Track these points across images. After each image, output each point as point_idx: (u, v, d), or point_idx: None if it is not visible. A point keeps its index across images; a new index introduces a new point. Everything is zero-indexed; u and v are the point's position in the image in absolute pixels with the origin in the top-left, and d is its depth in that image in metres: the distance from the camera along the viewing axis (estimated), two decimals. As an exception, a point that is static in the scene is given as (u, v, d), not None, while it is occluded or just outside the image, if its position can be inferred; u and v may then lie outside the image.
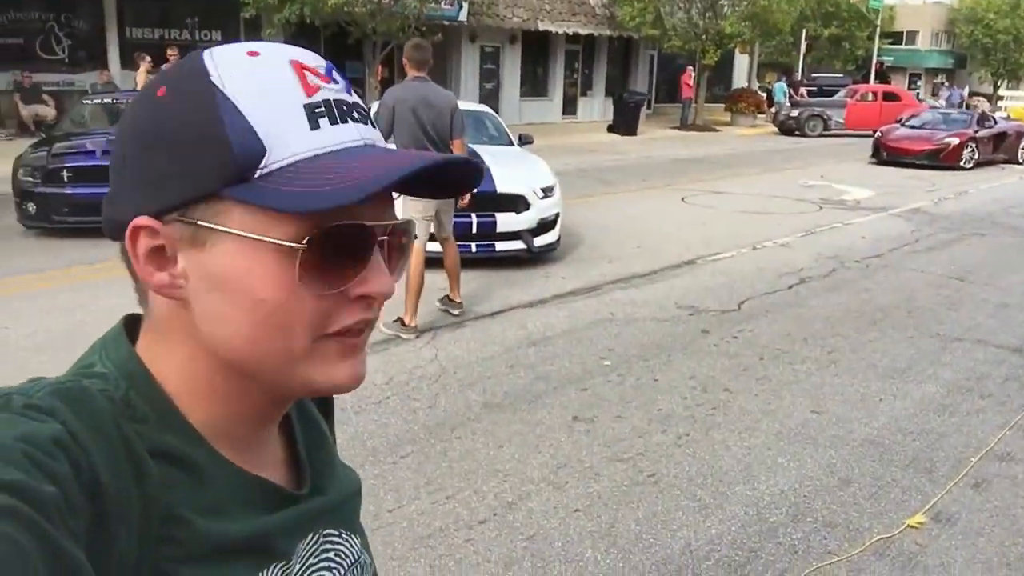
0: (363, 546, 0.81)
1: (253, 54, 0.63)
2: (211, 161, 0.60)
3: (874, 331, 6.36)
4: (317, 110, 0.62)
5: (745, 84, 32.75)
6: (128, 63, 16.74)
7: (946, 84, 46.22)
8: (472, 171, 0.68)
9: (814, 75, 37.82)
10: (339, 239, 0.61)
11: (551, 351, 5.64)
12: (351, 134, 0.63)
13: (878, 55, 40.93)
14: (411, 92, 5.86)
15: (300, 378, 0.64)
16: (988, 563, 3.39)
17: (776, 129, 27.27)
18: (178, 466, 0.63)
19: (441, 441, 4.24)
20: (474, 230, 7.65)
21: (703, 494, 3.83)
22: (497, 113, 22.76)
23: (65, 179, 8.55)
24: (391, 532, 3.42)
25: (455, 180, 0.70)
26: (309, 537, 0.72)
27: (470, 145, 8.64)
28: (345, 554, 0.76)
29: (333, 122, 0.62)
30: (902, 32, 53.10)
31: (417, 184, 0.66)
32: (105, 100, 11.15)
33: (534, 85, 25.81)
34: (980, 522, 3.69)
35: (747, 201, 12.56)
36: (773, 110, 28.78)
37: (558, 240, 8.32)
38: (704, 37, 25.54)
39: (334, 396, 0.86)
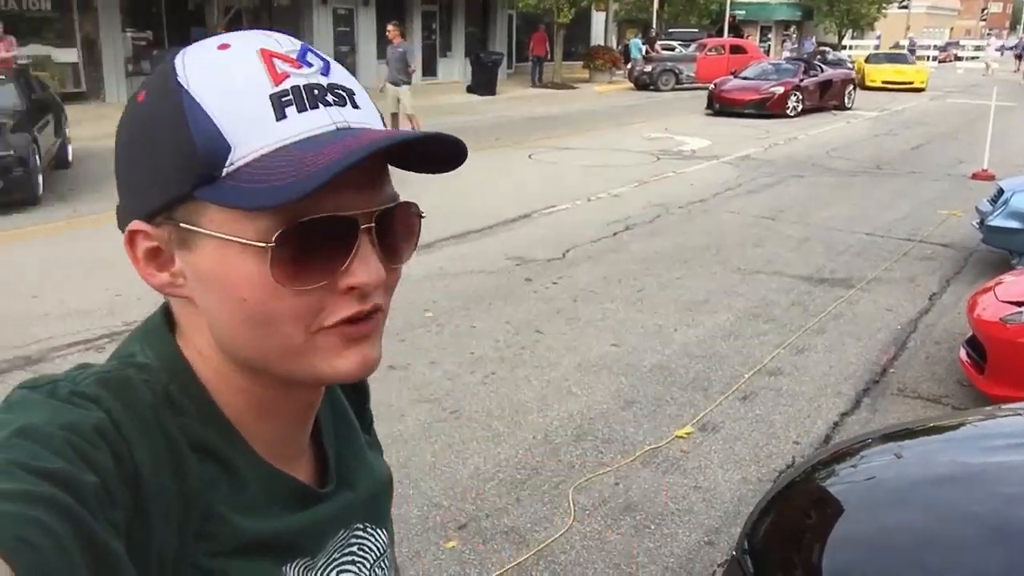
0: (388, 541, 0.80)
1: (224, 47, 0.62)
2: (182, 163, 0.59)
3: (683, 269, 6.87)
4: (284, 99, 0.60)
5: (602, 41, 33.44)
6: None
7: (794, 36, 48.41)
8: (450, 145, 0.64)
9: (670, 30, 38.90)
10: (313, 232, 0.59)
11: (376, 306, 5.84)
12: (321, 120, 0.60)
13: (731, 9, 42.42)
14: None
15: (306, 370, 0.64)
16: (740, 462, 3.86)
17: (632, 85, 28.04)
18: (216, 462, 0.64)
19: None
20: None
21: (499, 424, 4.16)
22: (354, 77, 22.57)
23: None
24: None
25: (440, 155, 0.66)
26: (340, 533, 0.73)
27: None
28: (370, 548, 0.77)
29: (301, 109, 0.60)
30: (753, -14, 55.13)
31: (402, 160, 0.65)
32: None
33: (391, 48, 25.61)
34: (741, 428, 4.17)
35: (591, 155, 13.04)
36: (629, 66, 29.56)
37: None
38: (557, -5, 25.92)
39: (368, 388, 0.90)
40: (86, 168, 11.55)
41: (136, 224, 0.63)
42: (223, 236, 0.60)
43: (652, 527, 3.34)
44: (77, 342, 5.15)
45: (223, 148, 0.59)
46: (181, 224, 0.61)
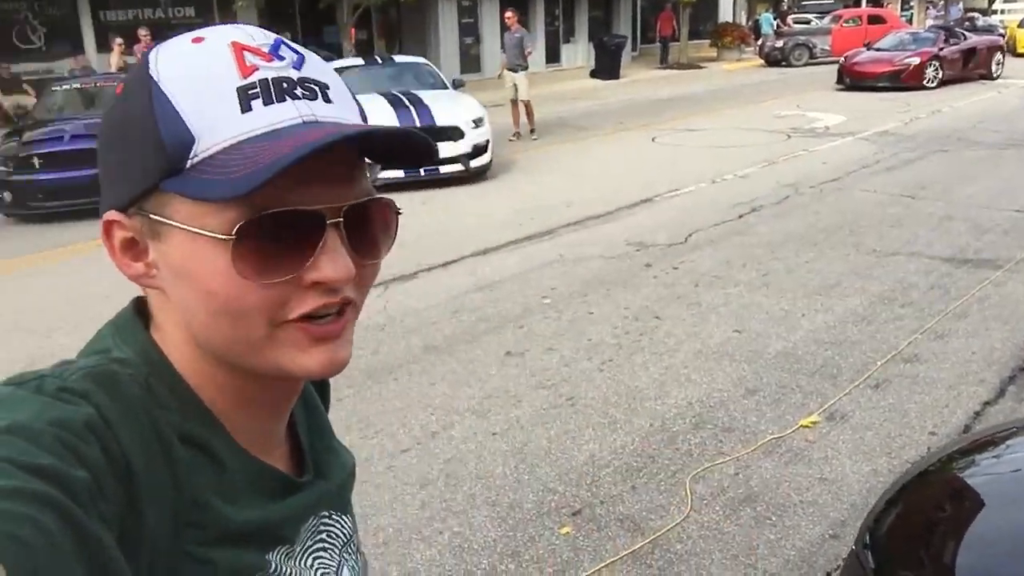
0: (353, 527, 0.82)
1: (198, 40, 0.63)
2: (150, 154, 0.60)
3: (813, 252, 6.59)
4: (251, 91, 0.60)
5: (731, 18, 32.44)
6: (104, 46, 16.90)
7: (939, 2, 45.43)
8: (419, 139, 0.66)
9: (804, 3, 37.30)
10: (277, 226, 0.59)
11: (496, 294, 5.91)
12: (287, 113, 0.60)
13: (870, -23, 40.20)
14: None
15: (270, 364, 0.64)
16: (870, 453, 3.67)
17: (763, 61, 27.09)
18: (202, 452, 0.64)
19: (378, 383, 4.54)
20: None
21: (615, 411, 4.12)
22: (479, 67, 22.77)
23: (36, 166, 8.83)
24: (320, 464, 3.73)
25: (414, 150, 0.67)
26: (310, 520, 0.74)
27: (411, 91, 10.61)
28: (337, 534, 0.78)
29: (268, 102, 0.60)
30: (893, -49, 51.99)
31: (377, 154, 0.66)
32: (75, 85, 11.35)
33: (514, 36, 25.70)
34: (871, 418, 3.96)
35: (717, 136, 12.69)
36: (759, 42, 28.56)
37: (490, 162, 10.37)
38: (682, -26, 25.35)
39: (329, 383, 0.91)
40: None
41: (111, 214, 0.64)
42: (188, 228, 0.60)
43: (773, 519, 3.23)
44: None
45: (188, 140, 0.59)
46: (151, 215, 0.62)
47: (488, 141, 10.31)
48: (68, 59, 17.44)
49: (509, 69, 13.28)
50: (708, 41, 29.57)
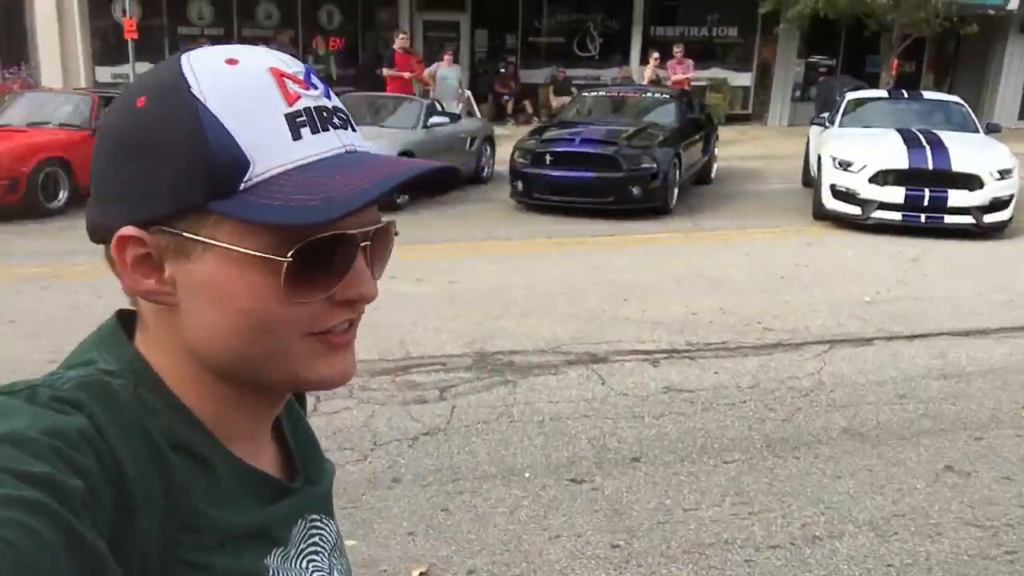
0: (337, 532, 0.84)
1: (232, 62, 0.64)
2: (196, 174, 0.61)
3: None
4: (299, 119, 0.63)
5: None
6: (647, 60, 18.09)
7: None
8: (446, 174, 0.70)
9: None
10: (323, 249, 0.63)
11: (960, 388, 4.87)
12: (332, 142, 0.64)
13: None
14: None
15: (285, 374, 0.67)
16: None
17: None
18: (193, 459, 0.66)
19: (775, 456, 4.01)
20: (926, 203, 8.85)
21: (1072, 594, 3.06)
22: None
23: (547, 161, 9.73)
24: (675, 529, 3.39)
25: (437, 181, 0.72)
26: (299, 523, 0.76)
27: (932, 130, 9.71)
28: (326, 538, 0.80)
29: (315, 131, 0.63)
30: None
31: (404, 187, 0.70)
32: (602, 93, 12.27)
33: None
34: None
35: None
36: None
37: (1011, 219, 9.00)
38: None
39: (307, 396, 0.93)
40: (724, 186, 12.21)
41: (129, 230, 0.64)
42: (236, 249, 0.62)
43: None
44: (638, 351, 5.37)
45: (242, 163, 0.61)
46: (185, 234, 0.63)
47: (1012, 196, 8.98)
48: (615, 68, 19.06)
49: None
50: None
